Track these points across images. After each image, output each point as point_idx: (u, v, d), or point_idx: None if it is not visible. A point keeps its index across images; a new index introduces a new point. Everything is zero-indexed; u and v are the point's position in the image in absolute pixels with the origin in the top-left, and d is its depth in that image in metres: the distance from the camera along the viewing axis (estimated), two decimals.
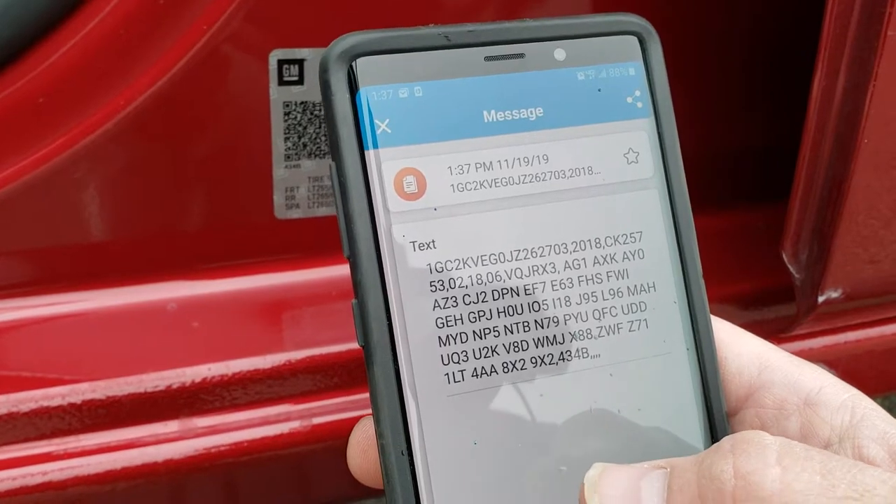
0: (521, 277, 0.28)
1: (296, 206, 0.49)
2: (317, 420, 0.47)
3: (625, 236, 0.29)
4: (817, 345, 0.56)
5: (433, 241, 0.27)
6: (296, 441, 0.46)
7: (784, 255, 0.47)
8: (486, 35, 0.29)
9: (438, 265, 0.27)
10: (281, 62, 0.44)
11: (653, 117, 0.30)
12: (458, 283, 0.27)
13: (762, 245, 0.55)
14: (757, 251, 0.56)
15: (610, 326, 0.29)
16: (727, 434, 0.29)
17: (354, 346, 0.48)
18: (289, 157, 0.47)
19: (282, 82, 0.45)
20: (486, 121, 0.28)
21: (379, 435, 0.26)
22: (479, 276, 0.28)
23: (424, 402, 0.26)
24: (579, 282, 0.29)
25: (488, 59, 0.29)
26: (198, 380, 0.45)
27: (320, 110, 0.46)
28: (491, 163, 0.28)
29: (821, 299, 0.48)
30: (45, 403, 0.43)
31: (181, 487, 0.46)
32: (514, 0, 0.49)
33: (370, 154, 0.27)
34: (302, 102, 0.46)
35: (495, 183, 0.28)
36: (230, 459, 0.45)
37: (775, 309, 0.56)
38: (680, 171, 0.30)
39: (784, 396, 0.29)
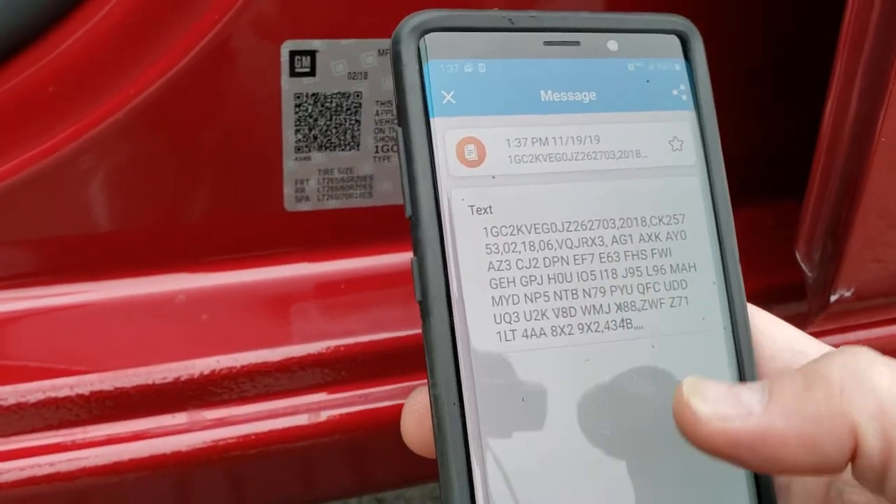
0: (570, 248, 0.29)
1: (305, 199, 0.48)
2: (325, 413, 0.47)
3: (668, 217, 0.31)
4: (828, 343, 0.56)
5: (490, 207, 0.29)
6: (303, 434, 0.46)
7: (797, 255, 0.47)
8: (546, 21, 0.31)
9: (494, 229, 0.29)
10: (293, 53, 0.44)
11: (695, 110, 0.32)
12: (511, 247, 0.29)
13: (774, 242, 0.55)
14: (769, 248, 0.56)
15: (653, 301, 0.30)
16: None
17: (363, 339, 0.48)
18: (299, 150, 0.47)
19: (293, 74, 0.44)
20: (543, 100, 0.30)
21: (432, 385, 0.27)
22: (531, 243, 0.29)
23: (477, 357, 0.28)
24: (625, 256, 0.30)
25: (547, 43, 0.30)
26: (206, 372, 0.45)
27: (331, 102, 0.46)
28: (546, 138, 0.30)
29: (833, 298, 0.48)
30: (53, 394, 0.43)
31: (188, 479, 0.46)
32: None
33: (435, 122, 0.29)
34: (313, 94, 0.45)
35: (550, 158, 0.30)
36: (238, 452, 0.45)
37: (787, 306, 0.56)
38: (720, 161, 0.32)
39: None
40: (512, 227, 0.29)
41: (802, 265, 0.48)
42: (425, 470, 0.53)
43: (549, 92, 0.30)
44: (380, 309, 0.50)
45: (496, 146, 0.29)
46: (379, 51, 0.45)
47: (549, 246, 0.29)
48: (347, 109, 0.46)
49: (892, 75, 0.41)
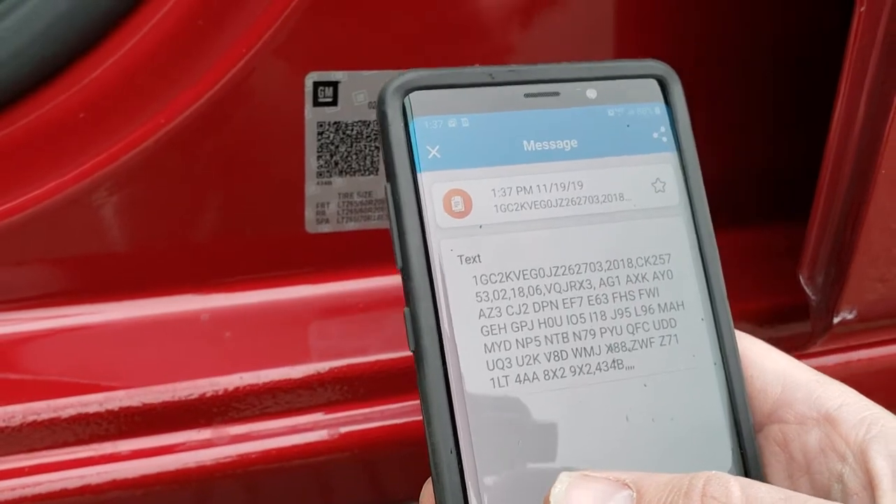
0: (559, 292, 0.30)
1: (326, 221, 0.50)
2: (343, 429, 0.48)
3: (654, 258, 0.31)
4: (831, 362, 0.57)
5: (479, 256, 0.29)
6: (323, 450, 0.48)
7: (801, 278, 0.49)
8: (525, 74, 0.31)
9: (483, 278, 0.29)
10: (316, 84, 0.46)
11: (677, 151, 0.33)
12: (501, 294, 0.29)
13: (779, 263, 0.56)
14: (773, 269, 0.57)
15: (643, 340, 0.31)
16: (754, 447, 0.31)
17: (380, 357, 0.50)
18: (320, 175, 0.48)
19: (316, 103, 0.46)
20: (525, 150, 0.31)
21: (429, 434, 0.28)
22: (520, 289, 0.29)
23: (471, 404, 0.28)
24: (614, 298, 0.31)
25: (528, 95, 0.31)
26: (230, 388, 0.47)
27: (352, 130, 0.47)
28: (531, 187, 0.31)
29: (836, 320, 0.49)
30: (84, 410, 0.45)
31: (212, 492, 0.47)
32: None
33: (421, 176, 0.29)
34: (335, 123, 0.47)
35: (535, 205, 0.30)
36: (260, 466, 0.47)
37: (791, 326, 0.57)
38: (703, 199, 0.33)
39: (804, 412, 0.30)
40: (501, 275, 0.29)
41: (806, 288, 0.49)
42: None
43: (532, 142, 0.31)
44: (396, 327, 0.52)
45: (482, 197, 0.30)
46: None
47: (538, 291, 0.30)
48: (367, 137, 0.48)
49: (894, 108, 0.42)
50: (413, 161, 0.29)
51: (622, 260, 0.31)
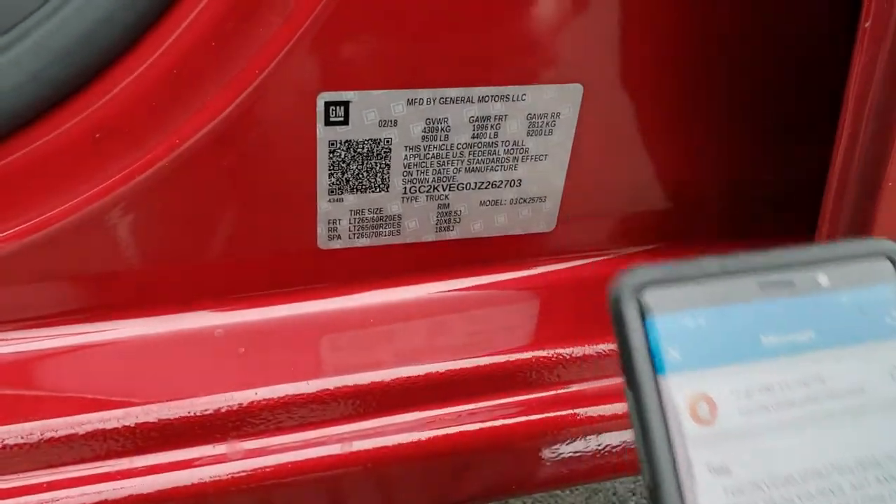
0: (810, 500, 0.28)
1: (337, 237, 0.51)
2: (357, 443, 0.49)
3: None
4: None
5: (727, 466, 0.28)
6: (337, 463, 0.48)
7: None
8: (756, 263, 0.30)
9: (734, 489, 0.28)
10: (328, 104, 0.46)
11: None
12: None
13: None
14: None
15: None
16: None
17: (393, 371, 0.50)
18: (332, 192, 0.49)
19: (328, 122, 0.47)
20: (763, 344, 0.29)
21: None
22: (772, 500, 0.28)
23: None
24: (864, 502, 0.29)
25: (762, 285, 0.30)
26: (245, 403, 0.47)
27: (363, 148, 0.48)
28: (773, 385, 0.29)
29: None
30: (101, 426, 0.45)
31: None
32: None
33: (663, 380, 0.28)
34: (346, 141, 0.48)
35: (778, 406, 0.29)
36: (275, 480, 0.47)
37: None
38: None
39: None
40: (751, 485, 0.28)
41: None
42: (448, 498, 0.54)
43: (769, 335, 0.29)
44: (407, 341, 0.52)
45: (726, 400, 0.28)
46: (408, 100, 0.47)
47: (790, 502, 0.28)
48: (378, 154, 0.49)
49: None
50: (654, 365, 0.28)
51: (870, 459, 0.29)
